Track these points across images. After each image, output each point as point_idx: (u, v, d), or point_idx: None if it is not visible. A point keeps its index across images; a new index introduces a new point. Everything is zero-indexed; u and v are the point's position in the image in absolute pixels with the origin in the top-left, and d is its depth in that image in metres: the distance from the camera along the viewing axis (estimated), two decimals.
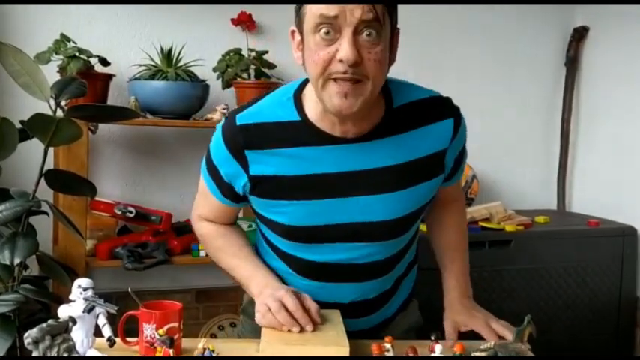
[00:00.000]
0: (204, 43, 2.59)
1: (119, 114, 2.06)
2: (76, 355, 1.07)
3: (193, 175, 2.51)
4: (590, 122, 3.07)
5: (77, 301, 1.18)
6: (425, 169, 1.30)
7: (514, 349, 1.22)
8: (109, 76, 2.33)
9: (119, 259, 2.28)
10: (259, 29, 2.65)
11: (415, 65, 2.69)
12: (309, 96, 1.25)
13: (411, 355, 1.21)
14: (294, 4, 1.20)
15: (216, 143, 1.31)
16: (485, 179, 2.98)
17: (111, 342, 1.17)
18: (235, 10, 2.57)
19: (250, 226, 2.23)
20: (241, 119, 1.28)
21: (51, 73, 2.13)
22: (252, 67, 2.49)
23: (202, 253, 2.37)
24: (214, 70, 2.49)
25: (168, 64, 2.37)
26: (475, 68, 3.00)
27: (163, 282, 2.59)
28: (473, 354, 1.18)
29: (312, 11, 1.14)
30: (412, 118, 1.28)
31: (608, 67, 2.96)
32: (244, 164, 1.28)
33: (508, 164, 3.10)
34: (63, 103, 1.94)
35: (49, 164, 2.18)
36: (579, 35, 3.07)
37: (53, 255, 2.27)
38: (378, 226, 1.29)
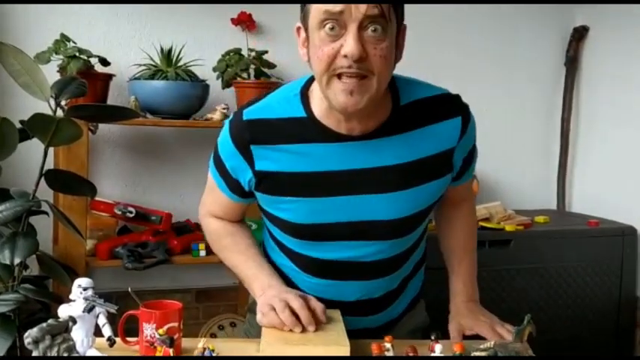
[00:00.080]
0: (204, 42, 2.59)
1: (119, 114, 2.06)
2: (76, 355, 1.07)
3: (193, 175, 2.56)
4: (590, 122, 3.07)
5: (77, 301, 1.18)
6: (432, 168, 1.29)
7: (514, 348, 1.22)
8: (109, 76, 2.33)
9: (119, 259, 2.28)
10: (259, 29, 2.65)
11: (415, 65, 2.69)
12: (316, 93, 1.25)
13: (411, 355, 1.21)
14: (297, 3, 1.20)
15: (224, 138, 1.31)
16: (485, 179, 2.98)
17: (111, 342, 1.17)
18: (235, 10, 2.57)
19: (250, 226, 2.23)
20: (248, 114, 1.28)
21: (51, 73, 2.13)
22: (252, 66, 2.49)
23: (202, 253, 2.37)
24: (214, 69, 2.49)
25: (168, 64, 2.37)
26: (475, 67, 3.00)
27: (163, 282, 2.59)
28: (473, 354, 1.18)
29: (317, 7, 1.13)
30: (419, 116, 1.27)
31: (608, 66, 2.96)
32: (250, 159, 1.28)
33: (508, 164, 3.10)
34: (63, 102, 1.94)
35: (49, 164, 2.17)
36: (579, 35, 3.07)
37: (53, 255, 2.27)
38: (383, 225, 1.28)
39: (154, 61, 2.41)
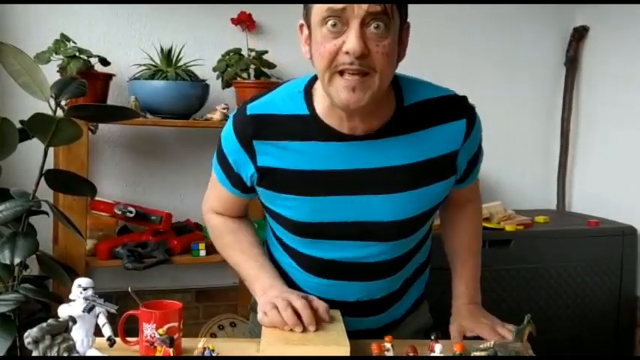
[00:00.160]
0: (204, 42, 2.59)
1: (119, 114, 2.06)
2: (76, 354, 1.07)
3: (193, 175, 2.56)
4: (590, 122, 3.07)
5: (77, 301, 1.18)
6: (435, 170, 1.28)
7: (514, 348, 1.22)
8: (109, 76, 2.33)
9: (119, 259, 2.28)
10: (259, 29, 2.65)
11: (416, 65, 2.69)
12: (319, 91, 1.24)
13: (411, 355, 1.21)
14: (297, 3, 1.20)
15: (227, 132, 1.31)
16: (485, 179, 2.98)
17: (111, 342, 1.17)
18: (235, 9, 2.57)
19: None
20: (252, 109, 1.28)
21: (51, 73, 2.13)
22: (252, 66, 2.49)
23: (202, 253, 2.37)
24: (214, 69, 2.49)
25: (168, 64, 2.37)
26: (475, 67, 3.00)
27: (163, 282, 2.59)
28: (473, 354, 1.18)
29: (319, 4, 1.13)
30: (423, 117, 1.26)
31: (608, 66, 2.96)
32: (252, 154, 1.27)
33: (508, 164, 3.10)
34: (63, 102, 1.94)
35: (49, 164, 2.17)
36: (579, 35, 3.07)
37: (53, 255, 2.27)
38: (384, 226, 1.28)
39: (153, 61, 2.41)
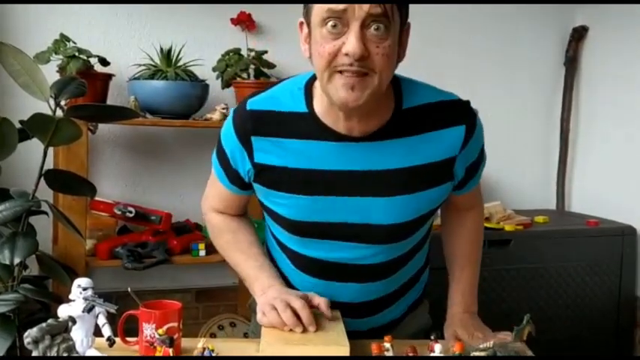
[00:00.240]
0: (204, 42, 2.59)
1: (119, 114, 2.06)
2: (76, 354, 1.07)
3: (193, 175, 2.56)
4: (589, 122, 3.07)
5: (77, 301, 1.18)
6: (431, 175, 1.26)
7: (513, 348, 1.22)
8: (109, 76, 2.33)
9: (119, 259, 2.28)
10: (259, 29, 2.65)
11: (416, 65, 2.69)
12: (319, 89, 1.24)
13: (410, 355, 1.21)
14: (296, 3, 1.20)
15: (227, 127, 1.31)
16: (484, 179, 2.94)
17: (110, 342, 1.17)
18: (235, 9, 2.57)
19: None
20: (252, 104, 1.28)
21: (50, 73, 2.13)
22: (252, 66, 2.49)
23: (202, 253, 2.37)
24: (214, 69, 2.49)
25: (167, 64, 2.37)
26: (475, 67, 3.00)
27: (163, 282, 2.59)
28: (472, 354, 1.18)
29: (320, 5, 1.12)
30: (421, 121, 1.24)
31: (608, 66, 2.96)
32: (249, 150, 1.27)
33: (507, 164, 3.10)
34: (62, 102, 1.94)
35: (49, 164, 2.17)
36: (579, 35, 3.07)
37: (53, 255, 2.27)
38: (378, 229, 1.27)
39: (153, 61, 2.41)
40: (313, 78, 1.27)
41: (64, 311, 1.16)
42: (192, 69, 2.41)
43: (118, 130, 2.54)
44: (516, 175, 3.13)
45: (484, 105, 3.02)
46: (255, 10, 2.60)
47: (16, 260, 1.80)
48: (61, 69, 2.22)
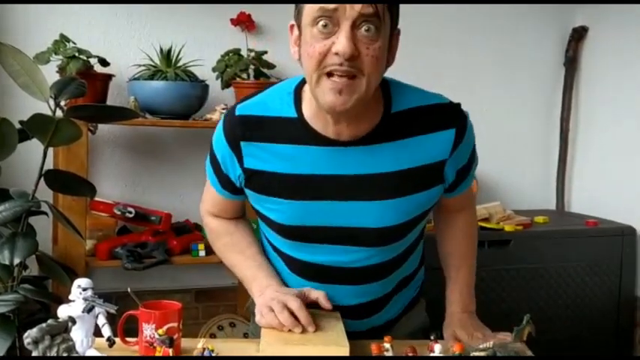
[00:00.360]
0: (204, 43, 2.59)
1: (118, 114, 2.06)
2: (76, 355, 1.07)
3: (193, 175, 2.56)
4: (589, 122, 3.07)
5: (77, 301, 1.18)
6: (421, 179, 1.26)
7: (513, 348, 1.22)
8: (109, 77, 2.33)
9: (119, 259, 2.28)
10: (259, 29, 2.65)
11: (416, 65, 2.70)
12: (308, 93, 1.23)
13: (410, 355, 1.21)
14: (296, 3, 1.20)
15: (217, 133, 1.31)
16: (484, 179, 2.98)
17: (110, 342, 1.17)
18: (235, 10, 2.57)
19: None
20: (241, 110, 1.28)
21: (50, 74, 2.13)
22: (252, 67, 2.49)
23: (202, 254, 2.37)
24: (214, 70, 2.49)
25: (167, 65, 2.37)
26: (475, 67, 3.01)
27: (163, 282, 2.59)
28: (472, 354, 1.18)
29: (311, 4, 1.12)
30: (411, 125, 1.23)
31: (607, 67, 2.96)
32: (239, 155, 1.27)
33: (507, 164, 3.10)
34: (62, 103, 1.94)
35: (49, 164, 2.17)
36: (578, 35, 3.07)
37: (53, 255, 2.27)
38: (369, 233, 1.27)
39: (153, 61, 2.41)
40: (303, 82, 1.26)
41: (63, 311, 1.16)
42: (192, 69, 2.41)
43: (117, 131, 2.54)
44: (516, 175, 3.14)
45: (484, 105, 3.05)
46: (254, 11, 2.60)
47: (16, 260, 1.80)
48: (61, 69, 2.23)
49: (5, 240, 1.84)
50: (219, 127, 1.31)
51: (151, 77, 2.33)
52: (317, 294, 1.27)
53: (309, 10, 1.13)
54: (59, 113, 1.92)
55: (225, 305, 2.71)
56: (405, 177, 1.24)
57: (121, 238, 2.39)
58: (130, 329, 1.24)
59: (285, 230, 1.30)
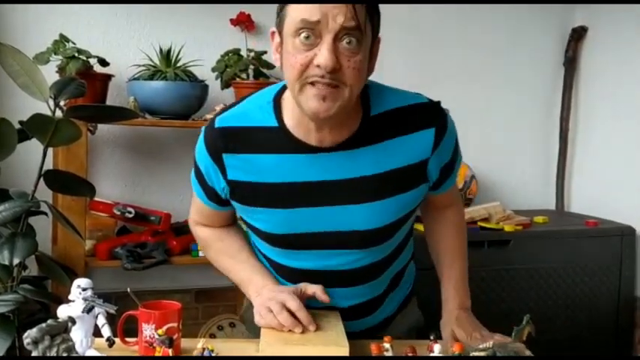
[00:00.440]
0: (203, 43, 2.59)
1: (118, 114, 2.06)
2: (76, 355, 1.07)
3: None
4: (588, 122, 3.07)
5: (76, 302, 1.18)
6: (405, 179, 1.26)
7: (513, 348, 1.22)
8: (108, 77, 2.33)
9: (118, 260, 2.28)
10: (258, 29, 2.65)
11: (415, 65, 2.70)
12: (288, 102, 1.23)
13: (410, 355, 1.21)
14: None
15: (199, 145, 1.31)
16: (484, 179, 2.98)
17: (110, 342, 1.17)
18: (234, 10, 2.57)
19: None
20: (221, 122, 1.28)
21: (50, 74, 2.13)
22: (251, 67, 2.49)
23: (201, 254, 2.35)
24: (213, 70, 2.49)
25: (167, 65, 2.37)
26: (474, 68, 3.00)
27: (163, 282, 2.59)
28: (472, 354, 1.18)
29: (293, 15, 1.12)
30: (390, 126, 1.24)
31: (607, 67, 2.96)
32: (222, 168, 1.27)
33: (507, 164, 3.10)
34: (62, 103, 1.94)
35: (48, 164, 2.17)
36: (578, 35, 3.07)
37: (52, 255, 2.27)
38: (358, 235, 1.27)
39: (153, 61, 2.41)
40: (281, 90, 1.27)
41: (63, 312, 1.16)
42: (192, 69, 2.41)
43: (117, 131, 2.54)
44: (516, 175, 3.14)
45: (484, 105, 3.05)
46: (254, 11, 2.60)
47: (16, 261, 1.80)
48: (61, 69, 2.22)
49: (5, 240, 1.84)
50: (201, 140, 1.30)
51: (151, 77, 2.33)
52: (314, 288, 1.27)
53: (292, 21, 1.12)
54: (59, 113, 1.92)
55: (224, 305, 2.71)
56: (389, 178, 1.25)
57: (120, 238, 2.39)
58: (130, 329, 1.24)
59: (273, 239, 1.31)
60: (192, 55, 2.46)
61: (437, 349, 1.20)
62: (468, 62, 2.99)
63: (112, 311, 1.18)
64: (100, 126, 2.34)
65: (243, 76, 2.47)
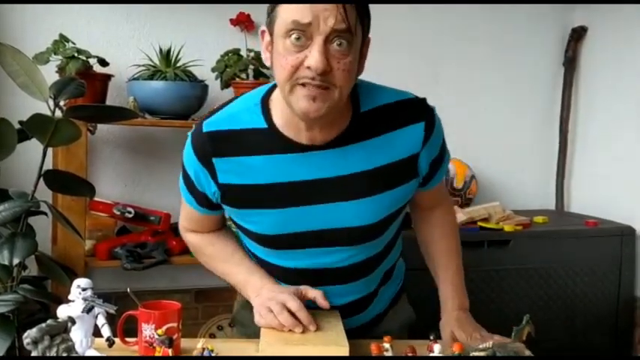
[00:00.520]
0: (203, 43, 2.59)
1: (118, 114, 2.06)
2: (75, 355, 1.07)
3: None
4: (588, 122, 3.07)
5: (76, 302, 1.18)
6: (396, 174, 1.27)
7: (513, 348, 1.22)
8: (108, 77, 2.33)
9: (118, 260, 2.28)
10: (258, 29, 2.65)
11: (415, 64, 2.70)
12: (277, 102, 1.24)
13: (410, 355, 1.21)
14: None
15: (187, 151, 1.30)
16: (483, 179, 2.98)
17: (110, 342, 1.17)
18: (234, 10, 2.57)
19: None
20: (208, 126, 1.27)
21: (50, 74, 2.13)
22: (251, 67, 2.49)
23: None
24: (213, 70, 2.49)
25: (167, 65, 2.37)
26: (474, 68, 3.00)
27: (162, 282, 2.59)
28: (472, 354, 1.18)
29: (284, 16, 1.12)
30: (379, 123, 1.25)
31: (607, 66, 2.96)
32: (212, 172, 1.27)
33: (507, 164, 3.10)
34: (62, 103, 1.94)
35: (48, 164, 2.17)
36: (578, 35, 3.07)
37: (52, 255, 2.26)
38: (350, 232, 1.28)
39: (152, 61, 2.41)
40: (269, 92, 1.27)
41: (63, 312, 1.16)
42: (192, 69, 2.41)
43: (117, 131, 2.54)
44: (515, 175, 3.14)
45: (484, 105, 3.05)
46: (254, 11, 2.60)
47: (15, 261, 1.80)
48: (60, 69, 2.22)
49: (5, 240, 1.84)
50: (188, 145, 1.30)
51: (151, 77, 2.33)
52: (314, 293, 1.27)
53: (282, 22, 1.12)
54: (58, 113, 1.92)
55: (224, 305, 2.70)
56: (381, 174, 1.26)
57: (120, 238, 2.39)
58: (130, 329, 1.24)
59: (267, 240, 1.31)
60: (192, 55, 2.46)
61: (437, 349, 1.20)
62: (468, 62, 2.99)
63: (112, 311, 1.18)
64: (99, 126, 2.34)
65: (243, 76, 2.47)
